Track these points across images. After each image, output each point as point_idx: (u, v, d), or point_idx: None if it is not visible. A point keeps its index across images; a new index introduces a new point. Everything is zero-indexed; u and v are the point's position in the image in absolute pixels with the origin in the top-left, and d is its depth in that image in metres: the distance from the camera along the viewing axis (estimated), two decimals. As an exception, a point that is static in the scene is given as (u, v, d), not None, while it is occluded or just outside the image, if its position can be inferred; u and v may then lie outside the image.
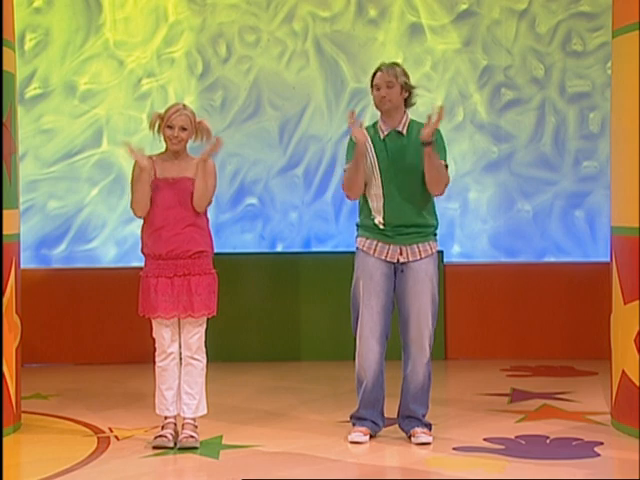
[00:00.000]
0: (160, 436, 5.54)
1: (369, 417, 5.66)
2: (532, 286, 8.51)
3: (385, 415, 5.76)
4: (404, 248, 5.53)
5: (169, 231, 5.47)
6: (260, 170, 8.82)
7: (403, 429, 5.67)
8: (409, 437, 5.61)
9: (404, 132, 5.56)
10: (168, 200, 5.48)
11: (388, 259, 5.54)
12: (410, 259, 5.53)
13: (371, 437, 5.65)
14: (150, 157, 5.58)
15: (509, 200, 8.80)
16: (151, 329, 5.59)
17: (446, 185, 5.54)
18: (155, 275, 5.50)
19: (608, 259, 6.14)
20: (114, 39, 8.76)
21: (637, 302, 5.62)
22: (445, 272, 8.37)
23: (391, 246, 5.53)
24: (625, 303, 5.74)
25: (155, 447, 5.49)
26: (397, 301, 5.61)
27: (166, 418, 5.60)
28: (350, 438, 5.61)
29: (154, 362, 5.60)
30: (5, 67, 5.82)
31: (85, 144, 8.75)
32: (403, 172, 5.50)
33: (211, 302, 5.54)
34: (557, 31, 8.80)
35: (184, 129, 5.53)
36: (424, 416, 5.65)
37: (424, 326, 5.53)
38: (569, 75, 8.80)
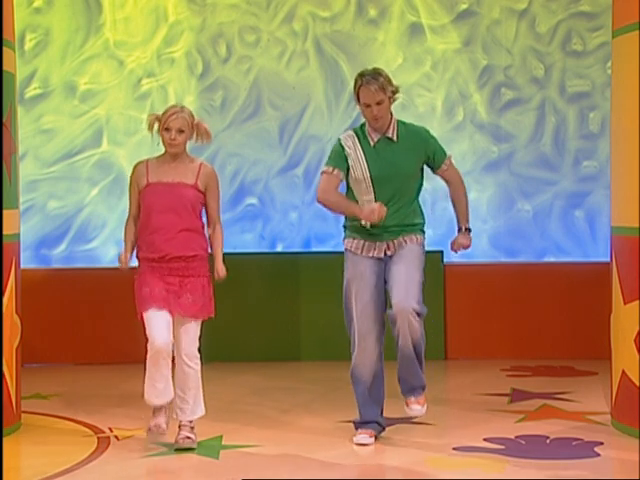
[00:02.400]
0: (155, 426, 5.48)
1: (373, 419, 5.64)
2: (532, 286, 8.51)
3: (384, 416, 5.75)
4: (390, 242, 5.56)
5: (163, 235, 5.43)
6: (260, 170, 8.83)
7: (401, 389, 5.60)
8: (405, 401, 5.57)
9: (394, 138, 5.55)
10: (162, 205, 5.44)
11: (376, 255, 5.56)
12: (397, 249, 5.56)
13: (375, 438, 5.64)
14: (146, 162, 5.57)
15: (509, 200, 8.80)
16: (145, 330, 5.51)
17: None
18: (149, 273, 5.46)
19: (608, 259, 6.14)
20: (114, 39, 8.76)
21: (637, 302, 5.62)
22: (445, 272, 8.37)
23: (377, 243, 5.56)
24: (625, 303, 5.74)
25: (150, 431, 5.47)
26: (387, 281, 5.53)
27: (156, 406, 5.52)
28: (356, 440, 5.59)
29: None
30: (5, 67, 5.82)
31: (85, 144, 8.75)
32: (395, 178, 5.50)
33: (204, 304, 5.48)
34: (557, 31, 8.80)
35: (181, 131, 5.48)
36: (420, 382, 5.53)
37: (411, 294, 5.37)
38: (569, 75, 8.80)
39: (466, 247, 5.67)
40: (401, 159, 5.52)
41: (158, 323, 5.41)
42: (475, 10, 8.82)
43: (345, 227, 5.69)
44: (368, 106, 5.50)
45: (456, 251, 5.70)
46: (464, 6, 8.82)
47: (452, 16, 8.81)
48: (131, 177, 5.61)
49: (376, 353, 5.58)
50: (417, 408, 5.54)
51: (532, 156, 8.81)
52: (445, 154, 5.66)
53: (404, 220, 5.55)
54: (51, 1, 8.74)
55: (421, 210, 5.68)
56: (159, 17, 8.80)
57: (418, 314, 5.38)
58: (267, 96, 8.83)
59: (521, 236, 8.79)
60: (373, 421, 5.64)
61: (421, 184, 5.67)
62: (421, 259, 5.58)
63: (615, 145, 5.97)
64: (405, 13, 8.81)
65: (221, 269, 5.53)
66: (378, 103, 5.48)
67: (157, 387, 5.48)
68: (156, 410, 5.55)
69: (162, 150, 5.59)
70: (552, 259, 8.75)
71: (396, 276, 5.48)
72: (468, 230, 5.69)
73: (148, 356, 5.46)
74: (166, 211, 5.44)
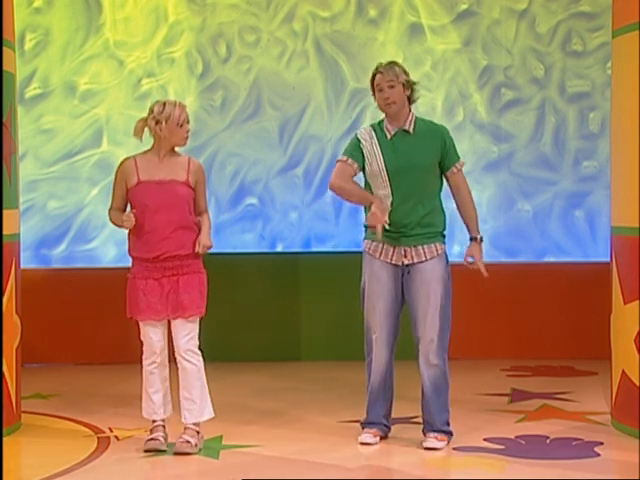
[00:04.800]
0: (152, 439, 5.46)
1: (377, 420, 5.61)
2: (532, 286, 8.51)
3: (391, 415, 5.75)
4: (408, 249, 5.46)
5: (157, 235, 5.37)
6: (260, 170, 8.83)
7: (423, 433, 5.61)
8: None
9: (411, 131, 5.48)
10: (156, 203, 5.38)
11: (393, 262, 5.49)
12: (415, 260, 5.46)
13: (381, 439, 5.61)
14: (134, 159, 5.53)
15: (509, 200, 8.80)
16: (139, 332, 5.52)
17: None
18: (144, 277, 5.42)
19: (608, 259, 6.14)
20: (114, 39, 8.76)
21: (637, 302, 5.62)
22: (445, 272, 8.36)
23: (396, 248, 5.48)
24: (625, 303, 5.74)
25: (147, 450, 5.43)
26: (407, 303, 5.54)
27: (154, 422, 5.53)
28: (360, 439, 5.58)
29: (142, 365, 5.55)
30: (5, 67, 5.82)
31: (85, 144, 8.75)
32: (412, 171, 5.42)
33: (201, 301, 5.45)
34: (557, 31, 8.80)
35: (188, 121, 5.50)
36: (441, 422, 5.53)
37: (432, 328, 5.43)
38: (569, 75, 8.81)
39: (478, 259, 5.54)
40: (417, 151, 5.44)
41: (154, 335, 5.46)
42: (475, 10, 8.82)
43: (365, 226, 5.62)
44: (381, 90, 5.47)
45: (469, 263, 5.58)
46: (464, 6, 8.83)
47: (452, 16, 8.81)
48: (118, 173, 5.53)
49: (385, 357, 5.55)
50: (433, 440, 5.47)
51: (532, 156, 8.82)
52: (458, 158, 5.55)
53: (423, 220, 5.45)
54: (51, 1, 8.75)
55: (442, 211, 5.56)
56: (159, 17, 8.80)
57: (440, 351, 5.46)
58: (267, 96, 8.83)
59: (521, 236, 8.79)
60: (378, 422, 5.62)
61: (441, 183, 5.57)
62: (445, 279, 5.50)
63: (615, 145, 5.97)
64: (405, 13, 8.82)
65: (207, 240, 5.43)
66: (390, 86, 5.44)
67: (154, 401, 5.50)
68: (154, 427, 5.53)
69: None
70: (552, 259, 8.75)
71: (419, 310, 5.46)
72: (480, 239, 5.55)
73: (144, 367, 5.51)
74: (160, 210, 5.38)
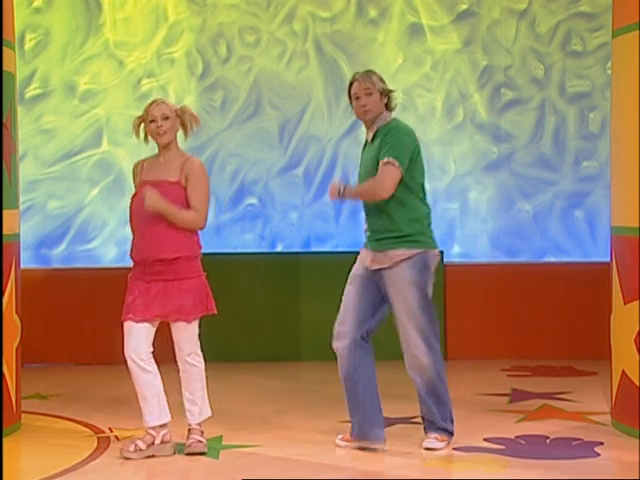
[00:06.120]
0: (156, 430, 5.39)
1: (355, 430, 5.48)
2: (532, 286, 8.51)
3: (386, 417, 5.72)
4: (375, 254, 5.42)
5: (143, 238, 5.33)
6: (260, 170, 8.83)
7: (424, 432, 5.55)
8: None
9: (369, 139, 5.49)
10: (142, 205, 5.28)
11: (366, 265, 5.46)
12: (383, 266, 5.37)
13: (374, 449, 5.47)
14: (142, 162, 5.51)
15: (509, 200, 8.80)
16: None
17: (382, 191, 5.28)
18: (136, 278, 5.40)
19: (608, 259, 6.14)
20: (114, 39, 8.77)
21: (637, 302, 5.62)
22: (445, 272, 8.36)
23: (368, 252, 5.47)
24: (625, 303, 5.73)
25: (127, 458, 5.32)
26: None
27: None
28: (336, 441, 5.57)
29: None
30: (5, 67, 5.82)
31: (85, 144, 8.75)
32: (366, 180, 5.42)
33: (195, 304, 5.33)
34: (557, 31, 8.80)
35: (166, 118, 5.38)
36: (442, 417, 5.46)
37: (410, 332, 5.33)
38: (569, 75, 8.81)
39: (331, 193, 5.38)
40: (368, 161, 5.45)
41: (132, 336, 5.34)
42: (475, 10, 8.82)
43: None
44: (357, 98, 5.45)
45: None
46: (464, 6, 8.83)
47: (452, 16, 8.81)
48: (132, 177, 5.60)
49: (348, 357, 5.41)
50: (433, 441, 5.42)
51: (532, 156, 8.82)
52: (390, 155, 5.28)
53: (388, 226, 5.37)
54: (51, 1, 8.75)
55: (415, 216, 5.39)
56: (159, 17, 8.80)
57: (427, 352, 5.33)
58: (267, 96, 8.84)
59: (521, 236, 8.79)
60: (360, 426, 5.45)
61: (411, 188, 5.38)
62: (418, 282, 5.32)
63: (615, 145, 5.97)
64: (405, 13, 8.82)
65: (158, 201, 5.23)
66: (367, 94, 5.42)
67: (151, 403, 5.41)
68: (159, 427, 5.44)
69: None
70: (552, 259, 8.75)
71: (396, 316, 5.38)
72: (344, 188, 5.36)
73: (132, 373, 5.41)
74: (145, 212, 5.29)
